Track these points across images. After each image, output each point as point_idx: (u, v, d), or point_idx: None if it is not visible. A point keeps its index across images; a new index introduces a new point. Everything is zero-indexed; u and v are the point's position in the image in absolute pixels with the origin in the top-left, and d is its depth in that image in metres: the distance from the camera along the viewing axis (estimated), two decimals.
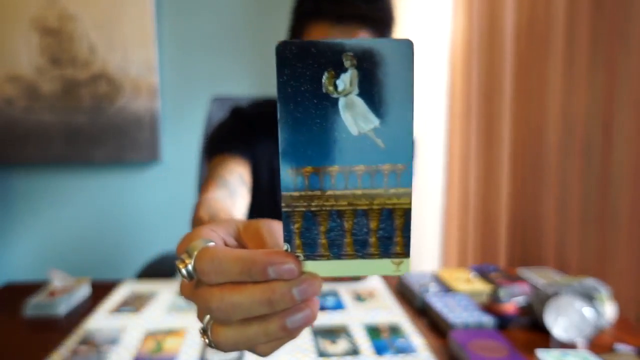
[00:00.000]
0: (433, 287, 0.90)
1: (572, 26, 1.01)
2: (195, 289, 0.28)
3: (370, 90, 0.25)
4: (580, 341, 0.71)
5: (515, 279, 0.94)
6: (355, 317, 0.81)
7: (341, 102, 0.26)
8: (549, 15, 1.09)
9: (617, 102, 0.91)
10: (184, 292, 0.29)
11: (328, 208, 0.27)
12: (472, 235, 1.41)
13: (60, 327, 0.78)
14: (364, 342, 0.72)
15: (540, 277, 0.98)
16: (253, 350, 0.29)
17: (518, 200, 1.25)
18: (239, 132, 0.99)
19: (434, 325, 0.79)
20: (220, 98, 1.40)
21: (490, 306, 0.79)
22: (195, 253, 0.28)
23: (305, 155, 0.26)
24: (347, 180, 0.27)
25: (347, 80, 0.25)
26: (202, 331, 0.29)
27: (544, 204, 1.13)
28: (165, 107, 1.98)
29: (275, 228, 0.30)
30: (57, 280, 0.91)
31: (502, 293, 0.79)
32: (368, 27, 0.83)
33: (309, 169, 0.26)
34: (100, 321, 0.79)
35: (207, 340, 0.29)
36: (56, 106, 1.89)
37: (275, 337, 0.27)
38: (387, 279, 1.00)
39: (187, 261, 0.28)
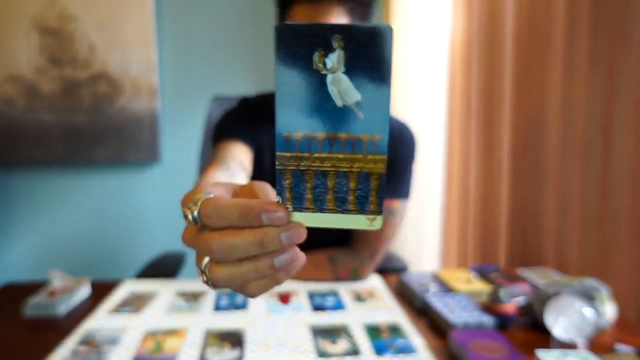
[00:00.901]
0: (433, 287, 0.90)
1: (572, 26, 1.01)
2: (198, 234, 0.32)
3: (354, 69, 0.29)
4: (580, 341, 0.71)
5: (515, 279, 0.94)
6: (355, 317, 0.81)
7: (329, 78, 0.29)
8: (549, 15, 1.09)
9: (617, 102, 0.91)
10: (187, 238, 0.33)
11: (314, 168, 0.31)
12: (472, 235, 1.41)
13: (60, 327, 0.78)
14: (364, 342, 0.72)
15: (540, 277, 0.98)
16: (244, 289, 0.33)
17: (518, 200, 1.24)
18: (244, 120, 1.01)
19: (434, 325, 0.79)
20: (220, 98, 1.40)
21: (490, 306, 0.79)
22: (200, 202, 0.32)
23: (297, 122, 0.30)
24: (331, 145, 0.30)
25: (334, 59, 0.29)
26: (200, 271, 0.33)
27: (544, 204, 1.13)
28: (165, 107, 1.98)
29: (267, 188, 0.35)
30: (57, 280, 0.91)
31: (502, 293, 0.79)
32: (344, 3, 0.89)
33: (299, 133, 0.30)
34: (100, 321, 0.79)
35: (204, 278, 0.33)
36: (56, 106, 1.89)
37: (264, 274, 0.31)
38: (387, 279, 1.00)
39: (193, 208, 0.32)
